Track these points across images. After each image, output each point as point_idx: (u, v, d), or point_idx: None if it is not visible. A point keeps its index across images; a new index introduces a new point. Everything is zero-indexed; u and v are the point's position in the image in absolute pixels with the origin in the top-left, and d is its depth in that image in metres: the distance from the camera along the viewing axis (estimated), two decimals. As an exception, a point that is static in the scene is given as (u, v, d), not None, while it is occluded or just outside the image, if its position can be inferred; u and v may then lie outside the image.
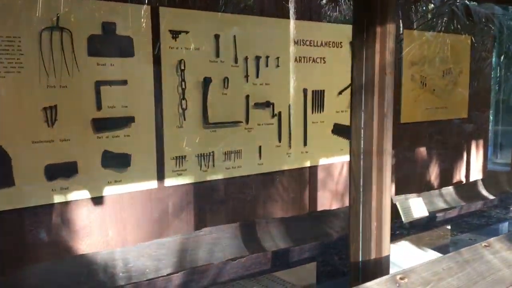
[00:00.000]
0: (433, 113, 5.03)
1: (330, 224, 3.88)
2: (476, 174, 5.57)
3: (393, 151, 4.75)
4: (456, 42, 5.20)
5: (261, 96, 3.70)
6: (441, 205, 4.27)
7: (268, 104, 3.74)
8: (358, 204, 2.07)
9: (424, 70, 4.89)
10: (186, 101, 3.29)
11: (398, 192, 4.74)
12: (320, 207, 4.22)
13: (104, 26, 2.93)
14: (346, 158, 4.29)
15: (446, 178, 5.21)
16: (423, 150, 5.02)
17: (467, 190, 4.72)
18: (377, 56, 1.97)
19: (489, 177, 5.67)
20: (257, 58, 3.64)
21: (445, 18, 5.18)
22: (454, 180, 5.31)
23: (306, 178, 4.13)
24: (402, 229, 4.01)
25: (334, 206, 4.31)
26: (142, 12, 3.08)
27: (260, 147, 3.75)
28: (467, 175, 5.51)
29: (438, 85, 5.04)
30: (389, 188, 2.07)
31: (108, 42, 2.96)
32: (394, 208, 3.46)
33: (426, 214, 3.51)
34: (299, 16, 3.92)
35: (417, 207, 3.42)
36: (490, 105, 5.90)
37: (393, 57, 2.03)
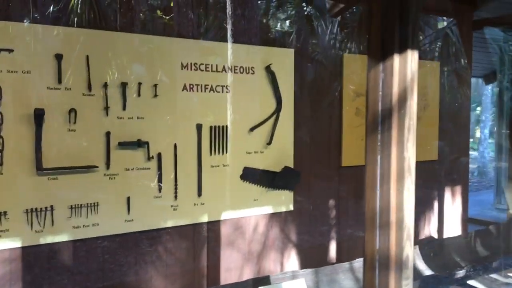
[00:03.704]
0: (388, 154, 4.09)
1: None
2: (451, 231, 4.53)
3: (332, 202, 3.84)
4: (420, 69, 4.29)
5: (129, 133, 2.89)
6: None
7: (140, 144, 2.91)
8: None
9: (375, 102, 3.98)
10: (2, 139, 2.50)
11: (341, 259, 3.78)
12: (225, 279, 3.30)
13: None
14: (262, 210, 3.41)
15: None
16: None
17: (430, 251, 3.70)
18: None
19: (477, 233, 4.60)
20: (123, 85, 2.85)
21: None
22: (415, 239, 4.29)
23: (204, 237, 3.24)
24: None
25: (247, 275, 3.38)
26: None
27: (128, 198, 2.91)
28: (440, 233, 4.48)
29: (395, 120, 4.11)
30: None
31: None
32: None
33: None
34: (190, 34, 3.13)
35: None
36: (469, 144, 4.90)
37: None
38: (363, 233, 3.92)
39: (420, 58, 4.31)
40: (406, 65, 1.36)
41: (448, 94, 4.45)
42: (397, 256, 1.38)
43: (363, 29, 4.05)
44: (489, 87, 11.03)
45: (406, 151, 1.39)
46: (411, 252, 1.40)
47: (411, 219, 1.43)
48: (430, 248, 3.30)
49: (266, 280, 2.69)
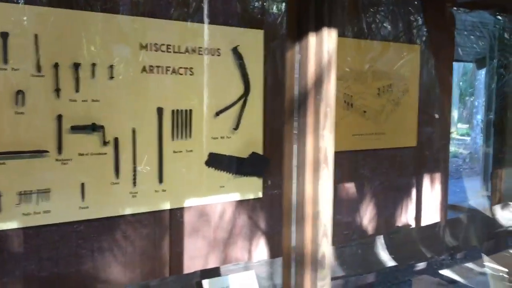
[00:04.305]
0: (364, 140, 3.98)
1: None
2: (429, 218, 4.43)
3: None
4: (399, 53, 4.16)
5: (83, 116, 2.76)
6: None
7: (94, 128, 2.79)
8: None
9: (350, 87, 3.86)
10: None
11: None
12: (189, 267, 3.20)
13: None
14: (229, 197, 3.30)
15: (381, 225, 4.11)
16: (349, 188, 3.96)
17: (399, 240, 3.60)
18: None
19: (453, 221, 4.50)
20: (76, 66, 2.71)
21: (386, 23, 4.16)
22: (391, 228, 4.19)
23: (166, 225, 3.14)
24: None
25: (212, 263, 3.28)
26: None
27: (83, 184, 2.79)
28: (417, 219, 4.39)
29: (371, 105, 3.99)
30: None
31: None
32: (201, 289, 2.44)
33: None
34: (150, 13, 2.98)
35: (243, 284, 2.39)
36: (449, 129, 4.78)
37: None
38: (337, 223, 3.83)
39: (399, 41, 4.17)
40: (322, 45, 1.22)
41: (429, 79, 4.31)
42: (312, 255, 1.26)
43: (342, 10, 3.89)
44: (482, 72, 10.85)
45: (322, 139, 1.27)
46: (328, 250, 1.28)
47: (328, 214, 1.31)
48: (396, 237, 3.20)
49: (215, 271, 2.60)
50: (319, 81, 1.24)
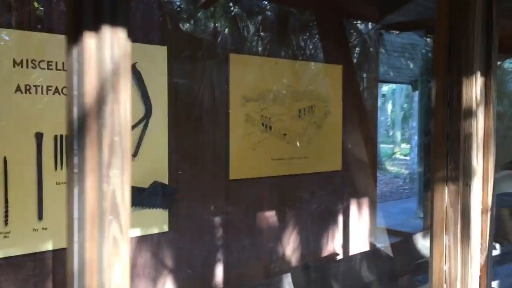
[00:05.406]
0: (285, 165, 3.71)
1: None
2: (355, 247, 4.19)
3: (218, 220, 3.39)
4: (321, 73, 3.96)
5: None
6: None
7: (-48, 158, 2.34)
8: None
9: (268, 108, 3.59)
10: None
11: (228, 284, 3.35)
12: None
13: None
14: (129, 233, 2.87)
15: (301, 258, 3.82)
16: (268, 217, 3.65)
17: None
18: None
19: (373, 253, 4.23)
20: None
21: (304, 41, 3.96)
22: (312, 260, 3.91)
23: (48, 269, 2.69)
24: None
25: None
26: None
27: None
28: (345, 250, 4.14)
29: (292, 128, 3.74)
30: None
31: None
32: None
33: None
34: (27, 25, 2.60)
35: None
36: (376, 151, 4.62)
37: None
38: (255, 258, 3.50)
39: (321, 61, 3.98)
40: (104, 50, 0.92)
41: (353, 100, 4.13)
42: None
43: (257, 24, 3.66)
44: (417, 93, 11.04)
45: (108, 182, 0.96)
46: None
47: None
48: (306, 274, 2.92)
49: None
50: (101, 100, 0.93)
